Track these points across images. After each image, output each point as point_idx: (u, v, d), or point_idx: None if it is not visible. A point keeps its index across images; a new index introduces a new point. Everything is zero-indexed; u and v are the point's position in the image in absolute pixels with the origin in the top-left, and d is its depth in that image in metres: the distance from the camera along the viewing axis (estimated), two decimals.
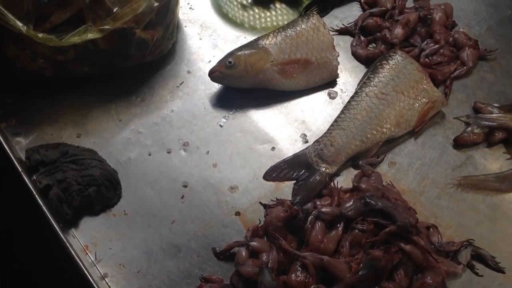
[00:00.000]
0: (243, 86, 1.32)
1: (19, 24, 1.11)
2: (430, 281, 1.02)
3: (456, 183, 1.22)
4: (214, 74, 1.29)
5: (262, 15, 1.52)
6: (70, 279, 1.04)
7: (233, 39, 1.46)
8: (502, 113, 1.29)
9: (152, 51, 1.31)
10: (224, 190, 1.19)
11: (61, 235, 1.03)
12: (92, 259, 1.09)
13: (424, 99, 1.28)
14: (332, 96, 1.36)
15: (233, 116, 1.32)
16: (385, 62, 1.32)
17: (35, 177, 1.15)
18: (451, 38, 1.43)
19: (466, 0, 1.55)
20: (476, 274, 1.08)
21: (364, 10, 1.52)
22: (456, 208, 1.18)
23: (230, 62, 1.28)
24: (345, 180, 1.22)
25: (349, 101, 1.29)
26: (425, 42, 1.42)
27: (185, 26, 1.48)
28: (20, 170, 1.12)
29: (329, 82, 1.37)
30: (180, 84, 1.37)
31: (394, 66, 1.30)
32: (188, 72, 1.39)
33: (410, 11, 1.47)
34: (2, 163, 1.14)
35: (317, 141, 1.25)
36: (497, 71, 1.40)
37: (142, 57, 1.31)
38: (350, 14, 1.52)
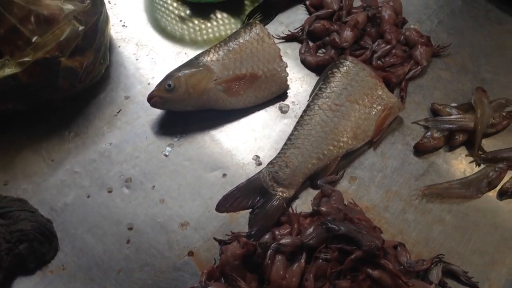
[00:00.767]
0: (187, 109, 1.22)
1: None
2: None
3: (420, 193, 1.16)
4: (153, 100, 1.19)
5: (203, 26, 1.42)
6: None
7: (173, 56, 1.35)
8: (461, 114, 1.23)
9: (83, 79, 1.19)
10: (174, 228, 1.10)
11: None
12: None
13: (380, 107, 1.21)
14: (283, 110, 1.27)
15: (178, 143, 1.21)
16: (336, 70, 1.23)
17: None
18: (402, 37, 1.37)
19: None
20: None
21: (310, 13, 1.43)
22: (422, 221, 1.12)
23: (169, 85, 1.17)
24: (304, 203, 1.14)
25: (301, 116, 1.20)
26: (376, 43, 1.35)
27: (119, 46, 1.36)
28: None
29: (280, 95, 1.28)
30: (118, 112, 1.26)
31: (345, 74, 1.22)
32: (126, 97, 1.28)
33: (358, 11, 1.40)
34: None
35: (271, 162, 1.16)
36: (452, 68, 1.34)
37: (72, 87, 1.19)
38: (296, 18, 1.44)
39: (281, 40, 1.38)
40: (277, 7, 1.44)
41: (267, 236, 1.06)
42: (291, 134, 1.18)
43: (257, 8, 1.43)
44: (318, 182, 1.15)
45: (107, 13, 1.26)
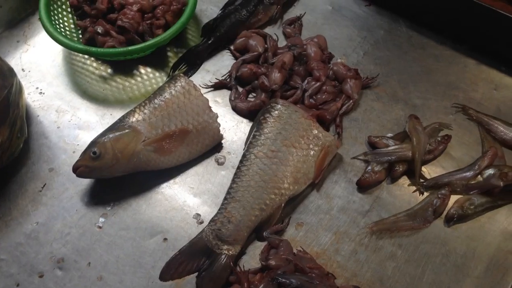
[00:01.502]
0: (117, 174, 1.15)
1: None
2: None
3: (369, 231, 1.14)
4: (79, 170, 1.11)
5: (127, 84, 1.36)
6: None
7: (97, 119, 1.29)
8: (398, 144, 1.23)
9: (0, 157, 1.10)
10: None
11: None
12: None
13: (317, 147, 1.18)
14: (220, 162, 1.23)
15: (112, 212, 1.14)
16: (268, 115, 1.20)
17: None
18: (331, 72, 1.36)
19: (338, 27, 1.49)
20: None
21: (236, 58, 1.41)
22: (375, 260, 1.09)
23: (95, 153, 1.10)
24: (252, 258, 1.09)
25: (238, 167, 1.16)
26: (306, 82, 1.34)
27: (38, 116, 1.29)
28: None
29: (214, 147, 1.24)
30: (42, 187, 1.17)
31: (278, 118, 1.19)
32: (50, 170, 1.20)
33: (284, 51, 1.38)
34: None
35: (212, 220, 1.10)
36: (383, 97, 1.34)
37: None
38: (222, 65, 1.41)
39: (209, 89, 1.35)
40: (201, 55, 1.41)
41: None
42: (230, 187, 1.13)
43: (181, 59, 1.40)
44: (264, 234, 1.10)
45: (20, 83, 1.19)
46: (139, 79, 1.37)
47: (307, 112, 1.24)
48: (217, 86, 1.36)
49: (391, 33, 1.47)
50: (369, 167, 1.20)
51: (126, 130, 1.14)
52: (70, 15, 1.43)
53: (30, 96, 1.31)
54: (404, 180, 1.21)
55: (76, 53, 1.41)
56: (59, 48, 1.41)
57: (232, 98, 1.33)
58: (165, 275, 1.06)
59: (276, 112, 1.21)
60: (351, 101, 1.31)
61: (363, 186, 1.19)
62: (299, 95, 1.31)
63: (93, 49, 1.28)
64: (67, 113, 1.30)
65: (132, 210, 1.15)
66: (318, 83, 1.32)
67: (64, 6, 1.42)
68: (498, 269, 1.08)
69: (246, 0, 1.47)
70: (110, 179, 1.16)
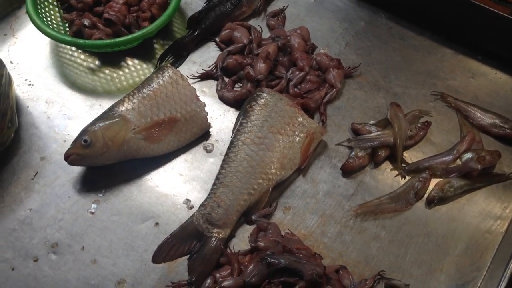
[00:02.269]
0: (108, 162, 1.18)
1: None
2: None
3: (354, 213, 1.18)
4: (70, 158, 1.13)
5: (115, 75, 1.38)
6: None
7: (86, 109, 1.31)
8: (380, 130, 1.27)
9: None
10: None
11: None
12: None
13: (302, 134, 1.22)
14: (208, 150, 1.26)
15: (104, 198, 1.16)
16: (254, 103, 1.24)
17: None
18: (314, 62, 1.39)
19: (320, 19, 1.53)
20: None
21: (221, 49, 1.44)
22: (359, 241, 1.13)
23: (85, 141, 1.12)
24: (242, 241, 1.12)
25: (226, 154, 1.19)
26: (290, 72, 1.37)
27: (28, 107, 1.30)
28: None
29: (203, 135, 1.27)
30: (34, 175, 1.19)
31: (264, 106, 1.23)
32: (42, 159, 1.22)
33: (268, 42, 1.42)
34: None
35: (202, 204, 1.13)
36: (365, 86, 1.38)
37: None
38: (208, 56, 1.44)
39: (196, 80, 1.38)
40: (187, 47, 1.44)
41: (208, 281, 1.03)
42: (219, 173, 1.16)
43: (168, 51, 1.42)
44: (253, 217, 1.14)
45: (9, 74, 1.21)
46: (126, 70, 1.39)
47: (292, 101, 1.27)
48: (204, 76, 1.39)
49: (371, 24, 1.52)
50: (353, 153, 1.24)
51: (116, 119, 1.16)
52: (56, 9, 1.45)
53: (20, 88, 1.33)
54: (387, 165, 1.25)
55: (63, 46, 1.42)
56: (47, 40, 1.42)
57: (219, 88, 1.36)
58: (157, 258, 1.08)
59: (262, 100, 1.24)
60: (334, 90, 1.35)
61: (347, 171, 1.23)
62: (283, 85, 1.34)
63: (81, 41, 1.30)
64: (57, 104, 1.31)
65: (124, 196, 1.17)
66: (302, 73, 1.36)
67: (50, 0, 1.44)
68: (477, 248, 1.13)
69: None
70: (101, 166, 1.19)
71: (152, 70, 1.39)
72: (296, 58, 1.38)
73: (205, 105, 1.25)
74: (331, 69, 1.37)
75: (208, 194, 1.14)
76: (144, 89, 1.21)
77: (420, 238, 1.14)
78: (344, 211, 1.17)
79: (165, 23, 1.36)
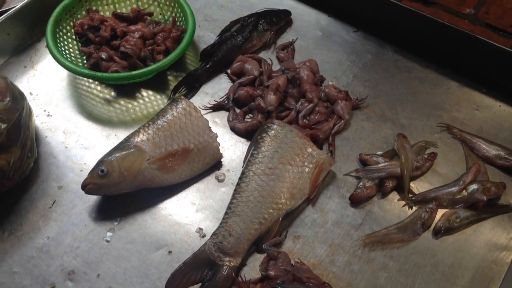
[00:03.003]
0: (123, 191, 1.21)
1: None
2: None
3: (362, 243, 1.20)
4: (88, 187, 1.17)
5: (130, 106, 1.43)
6: None
7: (103, 139, 1.35)
8: (387, 161, 1.29)
9: (12, 176, 1.16)
10: None
11: None
12: None
13: (311, 164, 1.25)
14: (220, 179, 1.29)
15: (119, 227, 1.20)
16: (265, 135, 1.28)
17: None
18: (323, 94, 1.43)
19: (328, 52, 1.57)
20: None
21: (232, 81, 1.49)
22: (368, 271, 1.15)
23: (102, 171, 1.16)
24: (252, 269, 1.15)
25: (238, 183, 1.23)
26: (300, 103, 1.41)
27: (46, 137, 1.35)
28: None
29: (214, 165, 1.31)
30: (52, 204, 1.23)
31: (274, 137, 1.27)
32: (59, 188, 1.26)
33: (278, 74, 1.46)
34: None
35: (214, 233, 1.16)
36: (372, 118, 1.42)
37: (1, 186, 1.16)
38: (220, 87, 1.48)
39: (208, 111, 1.42)
40: (200, 79, 1.48)
41: None
42: (231, 203, 1.20)
43: (181, 82, 1.47)
44: (263, 246, 1.16)
45: (29, 105, 1.25)
46: (141, 101, 1.44)
47: (302, 132, 1.31)
48: (216, 107, 1.43)
49: (378, 57, 1.56)
50: (361, 183, 1.27)
51: (132, 150, 1.21)
52: (75, 42, 1.50)
53: (39, 118, 1.38)
54: (394, 195, 1.27)
55: (80, 78, 1.47)
56: (65, 73, 1.47)
57: (230, 119, 1.40)
58: (170, 286, 1.11)
59: (273, 131, 1.28)
60: (342, 121, 1.39)
61: (356, 201, 1.26)
62: (293, 116, 1.38)
63: (99, 74, 1.35)
64: (74, 134, 1.36)
65: (138, 224, 1.20)
66: (311, 104, 1.39)
67: (69, 34, 1.49)
68: (483, 278, 1.14)
69: (242, 27, 1.56)
70: (116, 195, 1.22)
71: (166, 101, 1.43)
72: (305, 90, 1.42)
73: (217, 136, 1.28)
74: (339, 101, 1.40)
75: (220, 223, 1.17)
76: (159, 121, 1.26)
77: (427, 268, 1.16)
78: (353, 240, 1.20)
79: (179, 56, 1.41)
